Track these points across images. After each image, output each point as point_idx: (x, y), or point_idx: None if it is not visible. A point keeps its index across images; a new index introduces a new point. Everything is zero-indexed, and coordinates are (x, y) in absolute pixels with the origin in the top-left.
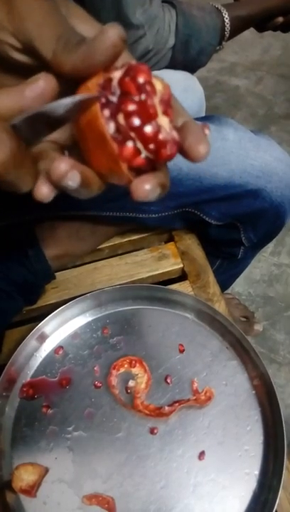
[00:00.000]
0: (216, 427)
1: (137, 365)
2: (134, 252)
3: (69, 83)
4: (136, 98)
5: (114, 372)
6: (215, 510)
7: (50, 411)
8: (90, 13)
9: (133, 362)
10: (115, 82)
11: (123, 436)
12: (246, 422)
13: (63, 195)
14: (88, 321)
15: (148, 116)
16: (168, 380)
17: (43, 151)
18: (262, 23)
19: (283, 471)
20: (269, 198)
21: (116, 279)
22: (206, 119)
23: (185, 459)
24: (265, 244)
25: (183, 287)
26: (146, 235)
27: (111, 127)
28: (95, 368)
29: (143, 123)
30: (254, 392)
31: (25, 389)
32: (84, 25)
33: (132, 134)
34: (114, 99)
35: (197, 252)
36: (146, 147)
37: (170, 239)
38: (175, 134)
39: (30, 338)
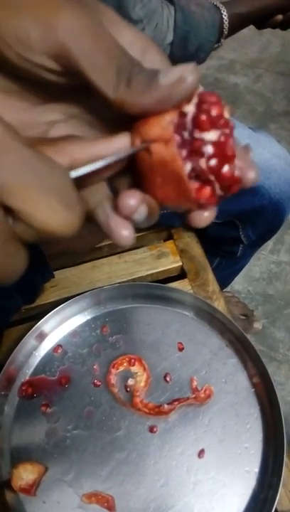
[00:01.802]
0: (216, 424)
1: (136, 363)
2: (133, 251)
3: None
4: (214, 136)
5: (113, 370)
6: (215, 508)
7: (49, 410)
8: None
9: (133, 360)
10: (189, 118)
11: (122, 434)
12: (246, 420)
13: None
14: (87, 319)
15: (227, 158)
16: (168, 379)
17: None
18: (261, 20)
19: (283, 469)
20: (267, 195)
21: (115, 277)
22: None
23: (184, 457)
24: (264, 242)
25: (182, 285)
26: (145, 233)
27: (187, 167)
28: (94, 367)
29: (222, 163)
30: (253, 389)
31: (24, 388)
32: (125, 33)
33: (211, 177)
34: (186, 134)
35: (197, 250)
36: (221, 187)
37: (169, 237)
38: (241, 164)
39: (29, 337)
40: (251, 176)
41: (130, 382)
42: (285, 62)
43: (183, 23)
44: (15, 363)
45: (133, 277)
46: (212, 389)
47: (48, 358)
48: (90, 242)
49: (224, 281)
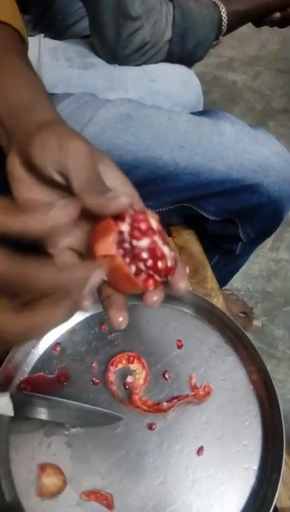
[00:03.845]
0: (214, 422)
1: (135, 361)
2: None
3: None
4: (145, 244)
5: (111, 368)
6: (214, 505)
7: None
8: (90, 5)
9: (131, 358)
10: (126, 235)
11: (121, 432)
12: (245, 417)
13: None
14: (86, 317)
15: (158, 257)
16: (166, 376)
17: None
18: (260, 18)
19: (282, 466)
20: (266, 193)
21: None
22: (203, 113)
23: (183, 454)
24: (263, 239)
25: None
26: None
27: (132, 269)
28: (93, 365)
29: (156, 260)
30: (252, 387)
31: (22, 386)
32: (110, 173)
33: (150, 272)
34: (127, 245)
35: (195, 247)
36: (160, 276)
37: (168, 234)
38: (173, 255)
39: None
40: (181, 286)
41: (129, 379)
42: (284, 60)
43: (181, 20)
44: (13, 361)
45: None
46: (211, 386)
47: (47, 356)
48: None
49: (223, 279)
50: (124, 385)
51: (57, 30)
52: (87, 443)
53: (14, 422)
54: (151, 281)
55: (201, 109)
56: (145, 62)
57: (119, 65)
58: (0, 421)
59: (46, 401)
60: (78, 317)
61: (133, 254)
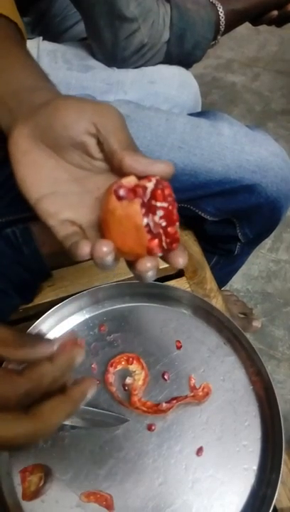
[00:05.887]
0: (214, 422)
1: (134, 362)
2: None
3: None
4: (165, 205)
5: (111, 369)
6: (214, 505)
7: None
8: (84, 8)
9: (131, 359)
10: (149, 190)
11: (121, 433)
12: (245, 418)
13: None
14: (85, 318)
15: (172, 221)
16: (166, 377)
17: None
18: (257, 16)
19: (282, 466)
20: (264, 193)
21: (112, 276)
22: (201, 114)
23: (183, 455)
24: (261, 240)
25: (180, 284)
26: None
27: (144, 221)
28: (92, 366)
29: (169, 225)
30: (251, 387)
31: None
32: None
33: (160, 231)
34: (145, 199)
35: (194, 248)
36: (166, 241)
37: None
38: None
39: None
40: (181, 261)
41: (128, 380)
42: (283, 61)
43: (179, 20)
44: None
45: (131, 276)
46: (210, 387)
47: None
48: None
49: (222, 280)
50: (124, 386)
51: (55, 33)
52: (86, 444)
53: None
54: (156, 241)
55: (199, 110)
56: (144, 64)
57: (118, 67)
58: None
59: None
60: (77, 318)
61: (149, 209)
